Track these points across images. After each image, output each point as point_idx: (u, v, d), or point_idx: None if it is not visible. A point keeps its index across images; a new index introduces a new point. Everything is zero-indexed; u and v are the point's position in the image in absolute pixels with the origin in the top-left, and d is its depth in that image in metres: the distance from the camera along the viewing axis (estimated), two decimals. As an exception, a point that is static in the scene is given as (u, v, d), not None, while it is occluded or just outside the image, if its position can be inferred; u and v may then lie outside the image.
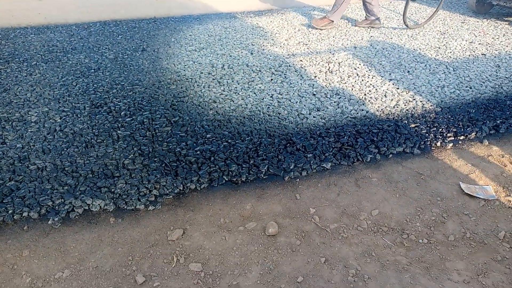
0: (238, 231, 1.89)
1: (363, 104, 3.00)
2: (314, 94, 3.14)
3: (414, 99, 3.07)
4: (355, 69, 3.63)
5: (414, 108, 2.95)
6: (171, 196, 2.10)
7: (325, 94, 3.15)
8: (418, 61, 3.80)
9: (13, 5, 6.23)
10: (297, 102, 3.02)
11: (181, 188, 2.15)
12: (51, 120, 2.73)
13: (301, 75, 3.48)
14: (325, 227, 1.91)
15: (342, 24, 5.05)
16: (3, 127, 2.66)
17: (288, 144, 2.48)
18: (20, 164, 2.29)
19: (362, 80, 3.40)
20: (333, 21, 4.72)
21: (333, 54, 4.00)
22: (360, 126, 2.70)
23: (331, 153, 2.43)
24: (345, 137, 2.58)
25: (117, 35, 4.49)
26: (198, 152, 2.41)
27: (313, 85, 3.31)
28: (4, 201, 2.03)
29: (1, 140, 2.52)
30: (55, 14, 5.69)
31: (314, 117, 2.81)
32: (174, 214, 2.00)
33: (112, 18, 5.32)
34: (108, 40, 4.31)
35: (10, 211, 1.97)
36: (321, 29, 4.74)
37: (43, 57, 3.84)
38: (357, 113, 2.88)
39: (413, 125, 2.72)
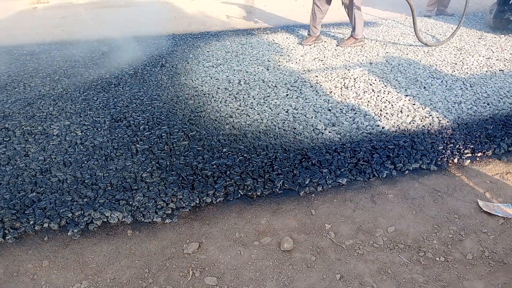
0: (253, 245, 1.90)
1: (379, 120, 3.00)
2: (329, 110, 3.16)
3: (430, 115, 3.06)
4: (371, 84, 3.64)
5: (430, 124, 2.94)
6: (187, 210, 2.13)
7: (340, 109, 3.17)
8: (434, 77, 3.79)
9: (38, 22, 6.47)
10: (312, 117, 3.04)
11: (197, 202, 2.18)
12: (72, 133, 2.81)
13: (316, 91, 3.51)
14: (340, 243, 1.90)
15: (357, 40, 5.07)
16: (26, 139, 2.75)
17: (304, 159, 2.50)
18: (42, 176, 2.36)
19: (378, 95, 3.41)
20: (357, 39, 4.77)
21: (348, 70, 4.02)
22: (376, 142, 2.70)
23: (347, 168, 2.43)
24: (361, 152, 2.58)
25: (136, 51, 4.61)
26: (214, 166, 2.44)
27: (329, 100, 3.33)
28: (26, 212, 2.09)
29: (24, 152, 2.60)
30: (77, 30, 5.88)
31: (329, 132, 2.83)
32: (190, 227, 2.02)
33: (132, 34, 5.47)
34: (128, 56, 4.42)
35: (31, 222, 2.02)
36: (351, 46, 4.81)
37: (65, 72, 3.97)
38: (373, 128, 2.88)
39: (429, 141, 2.70)
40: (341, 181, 2.33)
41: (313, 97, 3.38)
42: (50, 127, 2.89)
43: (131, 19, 6.79)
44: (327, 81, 3.73)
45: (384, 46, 4.80)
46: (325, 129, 2.86)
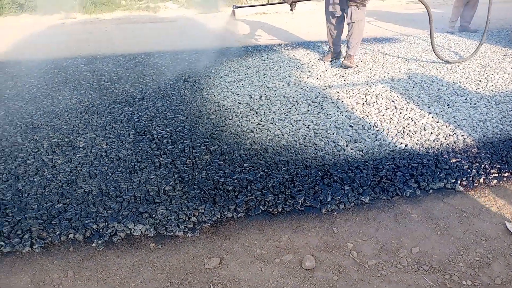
0: (275, 263, 1.89)
1: (401, 137, 2.97)
2: (351, 126, 3.15)
3: (454, 133, 3.01)
4: (393, 101, 3.61)
5: (455, 142, 2.89)
6: (209, 224, 2.14)
7: (362, 126, 3.15)
8: (458, 94, 3.74)
9: (66, 37, 6.70)
10: (334, 133, 3.04)
11: (219, 216, 2.19)
12: (97, 146, 2.88)
13: (338, 107, 3.51)
14: (363, 263, 1.88)
15: (379, 57, 5.07)
16: (54, 151, 2.83)
17: (325, 176, 2.49)
18: (68, 187, 2.41)
19: (401, 112, 3.38)
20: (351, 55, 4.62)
21: (370, 86, 4.01)
22: (399, 160, 2.67)
23: (369, 186, 2.41)
24: (384, 170, 2.55)
25: (160, 66, 4.72)
26: (236, 181, 2.46)
27: (350, 116, 3.32)
28: (52, 222, 2.14)
29: (51, 163, 2.67)
30: (104, 45, 6.06)
31: (351, 149, 2.81)
32: (212, 242, 2.03)
33: (156, 49, 5.60)
34: (152, 71, 4.53)
35: (57, 232, 2.07)
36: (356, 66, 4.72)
37: (91, 85, 4.09)
38: (396, 146, 2.85)
39: (454, 160, 2.66)
40: (363, 199, 2.31)
41: (334, 113, 3.38)
42: (77, 140, 2.97)
43: (155, 34, 6.96)
44: (349, 97, 3.72)
45: (406, 63, 4.77)
46: (347, 146, 2.85)
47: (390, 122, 3.23)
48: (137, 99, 3.71)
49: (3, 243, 2.00)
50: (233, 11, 4.54)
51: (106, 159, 2.70)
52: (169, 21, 8.35)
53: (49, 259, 1.93)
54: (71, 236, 2.05)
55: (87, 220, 2.14)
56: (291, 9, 4.55)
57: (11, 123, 3.30)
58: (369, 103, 3.58)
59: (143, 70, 4.57)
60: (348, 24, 4.41)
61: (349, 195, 2.32)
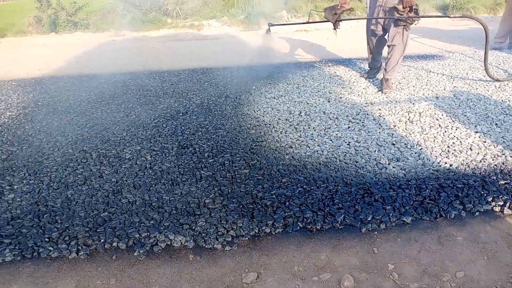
0: (312, 281, 1.87)
1: (446, 157, 2.87)
2: (393, 144, 3.09)
3: (503, 154, 2.88)
4: (437, 119, 3.51)
5: (503, 163, 2.76)
6: (246, 238, 2.16)
7: (405, 144, 3.08)
8: (507, 113, 3.57)
9: (115, 54, 7.07)
10: (375, 151, 2.99)
11: (257, 231, 2.20)
12: (142, 158, 2.99)
13: (379, 124, 3.45)
14: (404, 285, 1.82)
15: (422, 74, 4.96)
16: (101, 162, 2.97)
17: (366, 194, 2.45)
18: (114, 197, 2.52)
19: (445, 131, 3.27)
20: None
21: (413, 103, 3.92)
22: (443, 180, 2.58)
23: (412, 206, 2.34)
24: (427, 190, 2.47)
25: (203, 82, 4.86)
26: (274, 196, 2.47)
27: (392, 134, 3.25)
28: (97, 230, 2.24)
29: (99, 174, 2.81)
30: (150, 61, 6.33)
31: (393, 167, 2.75)
32: (249, 256, 2.04)
33: (199, 66, 5.78)
34: (196, 87, 4.67)
35: (102, 240, 2.16)
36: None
37: (138, 100, 4.27)
38: (440, 165, 2.76)
39: (502, 182, 2.53)
40: (405, 220, 2.24)
41: (376, 131, 3.32)
42: (123, 151, 3.11)
43: (198, 51, 7.19)
44: (391, 115, 3.66)
45: (451, 80, 4.63)
46: (388, 164, 2.79)
47: (434, 141, 3.13)
48: (181, 114, 3.83)
49: (51, 248, 2.11)
50: (269, 29, 4.49)
51: (150, 171, 2.80)
52: (212, 39, 8.60)
53: (93, 266, 2.02)
54: (114, 244, 2.13)
55: (130, 229, 2.22)
56: (335, 28, 4.36)
57: (63, 134, 3.50)
58: (412, 121, 3.49)
59: (187, 86, 4.72)
60: (388, 46, 4.25)
61: (391, 214, 2.27)
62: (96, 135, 3.44)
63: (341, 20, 4.31)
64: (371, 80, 4.75)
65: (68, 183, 2.70)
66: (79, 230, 2.22)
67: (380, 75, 4.73)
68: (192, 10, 11.67)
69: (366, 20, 4.54)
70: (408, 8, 3.86)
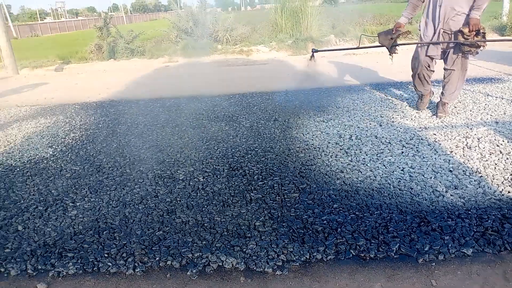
0: (366, 310, 1.81)
1: (509, 185, 2.70)
2: (450, 171, 2.96)
3: None
4: (498, 145, 3.33)
5: None
6: (297, 264, 2.13)
7: (463, 171, 2.94)
8: None
9: (169, 79, 7.41)
10: (431, 177, 2.87)
11: (308, 257, 2.17)
12: (195, 179, 3.08)
13: (435, 149, 3.33)
14: (467, 322, 1.71)
15: (480, 98, 4.75)
16: (157, 182, 3.09)
17: (422, 223, 2.35)
18: (168, 217, 2.60)
19: (507, 158, 3.09)
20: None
21: (471, 128, 3.75)
22: (507, 210, 2.42)
23: (472, 237, 2.21)
24: (489, 221, 2.33)
25: (252, 106, 4.96)
26: (325, 222, 2.43)
27: (449, 160, 3.12)
28: (153, 248, 2.31)
29: (154, 193, 2.92)
30: (202, 86, 6.57)
31: (451, 195, 2.63)
32: (300, 282, 2.01)
33: (249, 90, 5.92)
34: (245, 110, 4.78)
35: (157, 258, 2.22)
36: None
37: (191, 123, 4.43)
38: (503, 194, 2.60)
39: None
40: (466, 251, 2.12)
41: (431, 156, 3.21)
42: (177, 172, 3.22)
43: (248, 76, 7.37)
44: (447, 140, 3.52)
45: (511, 104, 4.39)
46: (446, 192, 2.67)
47: (495, 168, 2.96)
48: (231, 137, 3.92)
49: (110, 264, 2.20)
50: (312, 55, 4.35)
51: (203, 192, 2.88)
52: (261, 64, 8.79)
53: (149, 283, 2.07)
54: (169, 263, 2.19)
55: (184, 248, 2.27)
56: (390, 53, 4.08)
57: (121, 155, 3.69)
58: (470, 147, 3.34)
59: (237, 110, 4.84)
60: (446, 69, 4.03)
61: (449, 245, 2.15)
62: (152, 156, 3.59)
63: (398, 45, 4.08)
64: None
65: (126, 201, 2.83)
66: (136, 248, 2.31)
67: (434, 98, 4.57)
68: (241, 36, 12.04)
69: (416, 45, 4.21)
70: (475, 32, 3.61)
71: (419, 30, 4.06)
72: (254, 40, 11.58)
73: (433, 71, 4.20)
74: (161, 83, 7.18)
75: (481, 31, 3.62)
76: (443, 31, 3.85)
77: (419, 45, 4.11)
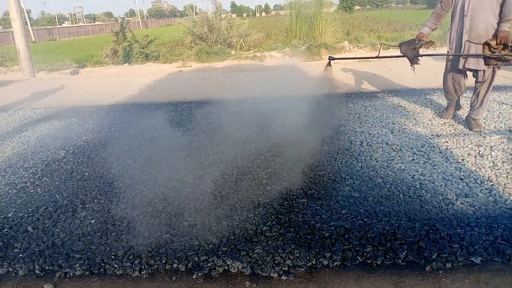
0: (372, 318, 1.79)
1: (522, 195, 2.65)
2: (461, 179, 2.91)
3: None
4: (511, 154, 3.27)
5: None
6: (303, 269, 2.12)
7: (474, 179, 2.89)
8: None
9: (182, 83, 7.48)
10: (441, 185, 2.83)
11: (314, 262, 2.16)
12: (204, 183, 3.09)
13: (446, 157, 3.29)
14: (474, 332, 1.67)
15: (494, 106, 4.68)
16: (166, 185, 3.11)
17: (431, 231, 2.31)
18: (176, 220, 2.62)
19: (521, 167, 3.04)
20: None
21: (483, 137, 3.70)
22: (518, 220, 2.38)
23: (482, 246, 2.17)
24: (499, 230, 2.29)
25: (263, 111, 4.96)
26: (332, 228, 2.42)
27: (460, 168, 3.07)
28: (159, 251, 2.32)
29: (163, 196, 2.94)
30: (214, 91, 6.62)
31: (461, 203, 2.59)
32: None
33: (260, 96, 5.93)
34: (256, 115, 4.78)
35: (163, 261, 2.23)
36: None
37: (202, 127, 4.46)
38: (515, 204, 2.55)
39: None
40: (474, 260, 2.08)
41: (442, 164, 3.16)
42: (186, 176, 3.24)
43: (260, 82, 7.39)
44: (459, 148, 3.47)
45: (528, 112, 4.31)
46: (456, 200, 2.63)
47: (508, 177, 2.91)
48: (241, 142, 3.93)
49: (117, 266, 2.22)
50: (329, 62, 4.31)
51: (211, 196, 2.89)
52: (273, 69, 8.81)
53: (154, 285, 2.09)
54: (175, 266, 2.20)
55: (190, 252, 2.28)
56: (412, 64, 3.94)
57: (132, 158, 3.73)
58: (482, 155, 3.29)
59: (248, 115, 4.85)
60: (477, 82, 3.87)
61: (458, 253, 2.12)
62: (162, 160, 3.62)
63: (420, 56, 3.95)
64: (437, 112, 4.56)
65: (135, 204, 2.86)
66: (143, 250, 2.33)
67: (459, 112, 4.46)
68: (255, 42, 12.11)
69: (447, 57, 4.05)
70: (502, 45, 3.49)
71: (448, 40, 3.93)
72: (268, 46, 11.63)
73: (465, 84, 4.08)
74: (174, 87, 7.25)
75: (510, 44, 3.49)
76: (469, 43, 3.70)
77: (449, 57, 3.97)
